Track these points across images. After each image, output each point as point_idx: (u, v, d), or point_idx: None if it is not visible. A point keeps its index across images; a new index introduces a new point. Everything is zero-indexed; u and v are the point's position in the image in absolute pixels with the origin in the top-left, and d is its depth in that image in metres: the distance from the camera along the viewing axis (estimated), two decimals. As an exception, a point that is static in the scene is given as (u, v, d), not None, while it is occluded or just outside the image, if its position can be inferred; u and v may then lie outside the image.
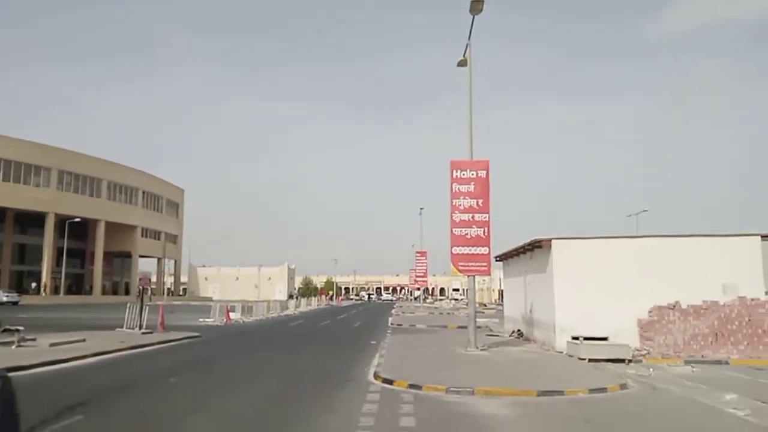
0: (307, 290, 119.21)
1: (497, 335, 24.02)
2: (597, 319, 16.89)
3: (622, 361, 15.43)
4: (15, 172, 64.18)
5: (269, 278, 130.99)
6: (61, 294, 68.63)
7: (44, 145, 67.69)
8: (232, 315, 34.29)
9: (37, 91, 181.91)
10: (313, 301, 70.27)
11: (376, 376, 12.38)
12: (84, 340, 17.39)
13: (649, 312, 17.34)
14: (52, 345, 15.91)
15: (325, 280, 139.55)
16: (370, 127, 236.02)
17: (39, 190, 66.50)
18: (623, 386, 11.52)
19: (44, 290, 66.49)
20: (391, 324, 32.26)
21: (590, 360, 15.35)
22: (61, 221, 68.89)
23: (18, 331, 15.99)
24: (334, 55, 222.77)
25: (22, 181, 64.89)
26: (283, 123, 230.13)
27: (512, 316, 25.45)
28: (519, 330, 23.10)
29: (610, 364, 15.05)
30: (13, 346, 15.52)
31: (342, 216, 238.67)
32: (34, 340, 16.55)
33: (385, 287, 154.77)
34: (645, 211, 60.33)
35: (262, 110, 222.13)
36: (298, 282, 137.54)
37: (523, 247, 21.27)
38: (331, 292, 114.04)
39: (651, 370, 14.33)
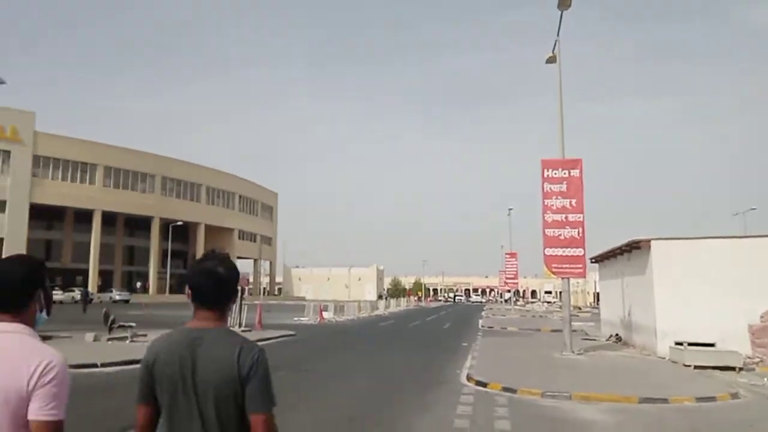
0: (396, 291, 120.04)
1: (593, 339, 23.23)
2: (702, 324, 15.98)
3: (731, 368, 14.51)
4: (123, 180, 69.00)
5: (359, 279, 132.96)
6: (167, 293, 72.87)
7: (149, 153, 72.24)
8: (325, 314, 35.16)
9: (135, 99, 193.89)
10: (402, 301, 70.74)
11: (469, 378, 12.33)
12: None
13: (761, 317, 16.20)
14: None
15: (413, 281, 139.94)
16: (456, 127, 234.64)
17: (145, 196, 71.02)
18: (734, 395, 10.85)
19: (149, 289, 70.91)
20: (482, 326, 31.94)
21: (696, 367, 14.56)
22: (165, 225, 73.11)
23: (131, 327, 17.19)
24: (410, 55, 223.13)
25: (130, 188, 69.67)
26: (370, 123, 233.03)
27: (609, 319, 24.54)
28: (617, 334, 22.24)
29: (717, 372, 14.20)
30: (127, 341, 16.68)
31: (431, 217, 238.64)
32: (145, 335, 17.69)
33: (473, 289, 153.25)
34: (753, 209, 56.14)
35: (347, 110, 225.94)
36: (386, 283, 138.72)
37: (620, 248, 20.47)
38: (419, 294, 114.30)
39: (766, 379, 13.40)
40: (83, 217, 67.69)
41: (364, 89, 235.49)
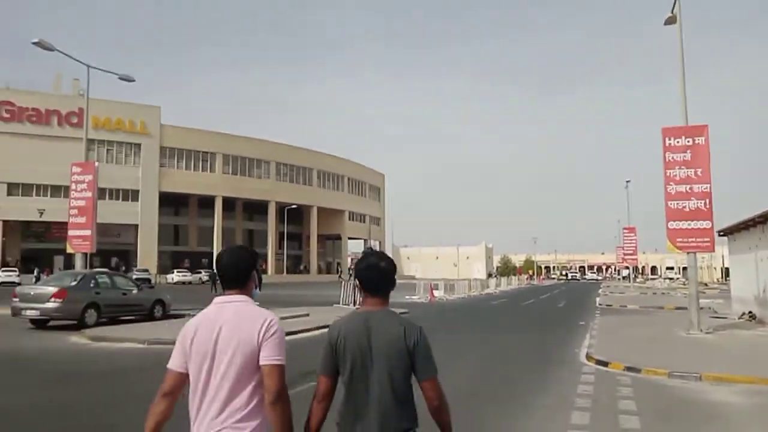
0: (506, 269, 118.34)
1: (723, 317, 21.78)
2: None
3: None
4: (241, 167, 72.82)
5: (467, 257, 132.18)
6: (284, 273, 76.37)
7: (263, 141, 75.56)
8: (435, 293, 35.39)
9: (251, 90, 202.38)
10: (513, 280, 69.68)
11: (588, 357, 12.01)
12: (308, 315, 19.25)
13: None
14: (282, 318, 17.83)
15: (524, 259, 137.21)
16: (563, 100, 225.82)
17: (261, 182, 74.51)
18: None
19: (267, 270, 74.52)
20: (599, 304, 30.86)
21: None
22: (281, 208, 76.39)
23: (255, 306, 18.23)
24: (512, 30, 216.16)
25: (247, 174, 73.38)
26: (476, 101, 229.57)
27: (741, 296, 22.87)
28: (750, 312, 20.69)
29: None
30: (252, 319, 17.71)
31: (541, 193, 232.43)
32: (267, 314, 18.69)
33: (588, 266, 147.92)
34: None
35: (451, 88, 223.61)
36: (496, 261, 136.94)
37: (753, 219, 18.96)
38: (530, 272, 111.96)
39: None
40: (206, 203, 72.17)
41: (461, 68, 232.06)
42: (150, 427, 2.48)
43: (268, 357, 2.40)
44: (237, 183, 71.66)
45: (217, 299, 2.59)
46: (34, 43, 20.59)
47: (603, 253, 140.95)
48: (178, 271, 60.08)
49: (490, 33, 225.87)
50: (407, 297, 33.93)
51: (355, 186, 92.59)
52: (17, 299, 16.41)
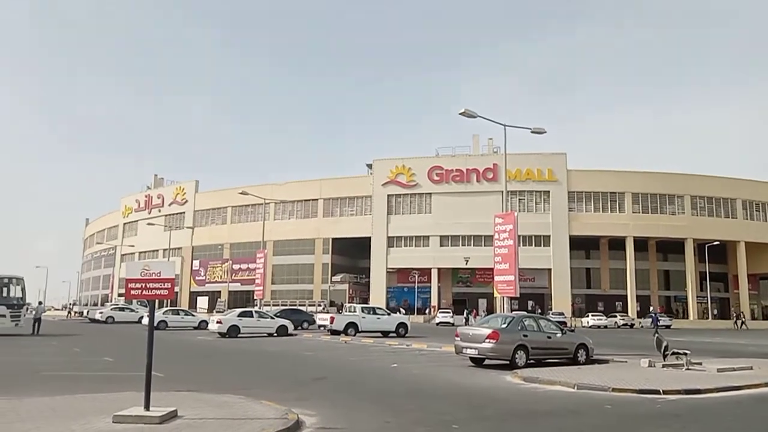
0: None
1: None
2: None
3: None
4: (652, 204, 69.40)
5: None
6: (709, 318, 68.77)
7: (675, 174, 70.67)
8: None
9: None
10: None
11: None
12: (751, 368, 16.90)
13: None
14: (719, 370, 16.08)
15: None
16: None
17: (675, 218, 69.48)
18: None
19: (689, 314, 68.05)
20: None
21: None
22: (699, 245, 69.59)
23: (685, 354, 16.90)
24: None
25: (658, 212, 69.45)
26: None
27: None
28: None
29: None
30: (683, 369, 16.45)
31: None
32: (699, 364, 17.11)
33: None
34: None
35: None
36: None
37: None
38: None
39: None
40: (616, 244, 70.80)
41: None
42: None
43: None
44: (648, 221, 68.44)
45: None
46: (460, 114, 23.92)
47: None
48: (592, 315, 59.91)
49: None
50: None
51: (794, 214, 78.06)
52: (459, 338, 18.77)
